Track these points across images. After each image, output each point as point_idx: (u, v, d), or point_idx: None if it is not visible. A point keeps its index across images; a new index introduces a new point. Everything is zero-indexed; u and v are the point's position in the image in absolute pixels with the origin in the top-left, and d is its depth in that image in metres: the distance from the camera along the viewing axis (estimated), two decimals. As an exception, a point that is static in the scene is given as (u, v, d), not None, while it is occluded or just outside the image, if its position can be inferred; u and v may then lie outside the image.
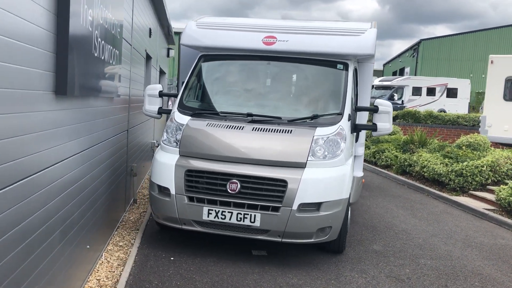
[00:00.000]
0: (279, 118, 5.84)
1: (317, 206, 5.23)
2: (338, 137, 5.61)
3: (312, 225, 5.19)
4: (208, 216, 5.24)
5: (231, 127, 5.64)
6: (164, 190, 5.44)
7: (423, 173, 11.17)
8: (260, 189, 5.19)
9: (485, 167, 9.99)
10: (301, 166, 5.30)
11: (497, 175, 10.06)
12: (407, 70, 47.06)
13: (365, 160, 14.40)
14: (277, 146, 5.46)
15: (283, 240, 5.22)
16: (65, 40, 3.38)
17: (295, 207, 5.10)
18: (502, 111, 14.38)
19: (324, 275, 5.23)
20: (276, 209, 5.13)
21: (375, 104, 6.15)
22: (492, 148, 11.96)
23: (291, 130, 5.56)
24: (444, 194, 10.07)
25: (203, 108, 6.24)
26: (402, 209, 8.83)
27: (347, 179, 5.53)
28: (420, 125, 17.80)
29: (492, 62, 14.82)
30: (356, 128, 6.25)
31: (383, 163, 13.39)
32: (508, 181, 9.35)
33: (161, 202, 5.46)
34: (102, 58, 4.58)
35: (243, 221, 5.17)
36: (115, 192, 6.45)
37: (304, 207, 5.17)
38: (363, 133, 7.35)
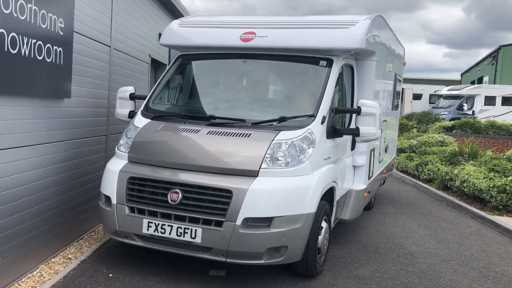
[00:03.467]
0: (243, 120, 5.16)
1: (268, 221, 4.48)
2: (304, 142, 4.84)
3: (260, 243, 4.45)
4: (148, 230, 4.67)
5: (185, 130, 5.05)
6: (107, 200, 4.96)
7: (463, 189, 9.85)
8: (203, 200, 4.54)
9: (533, 183, 8.57)
10: (252, 174, 4.59)
11: (548, 193, 8.59)
12: (485, 79, 43.68)
13: (408, 174, 13.20)
14: (229, 151, 4.79)
15: (227, 260, 4.52)
16: None
17: (239, 222, 4.40)
18: None
19: (277, 304, 4.47)
20: (219, 223, 4.46)
21: (358, 105, 5.29)
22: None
23: (250, 134, 4.87)
24: (483, 213, 8.74)
25: (168, 110, 5.71)
26: (423, 229, 7.72)
27: (311, 191, 4.72)
28: (480, 136, 16.11)
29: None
30: (336, 133, 5.41)
31: (425, 176, 12.09)
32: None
33: (104, 213, 4.98)
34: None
35: (184, 236, 4.54)
36: (87, 201, 6.10)
37: (251, 222, 4.45)
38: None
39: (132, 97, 5.93)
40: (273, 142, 4.73)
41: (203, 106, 5.80)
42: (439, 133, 17.24)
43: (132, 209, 4.77)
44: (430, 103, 33.37)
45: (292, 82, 5.83)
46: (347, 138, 5.98)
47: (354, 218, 6.55)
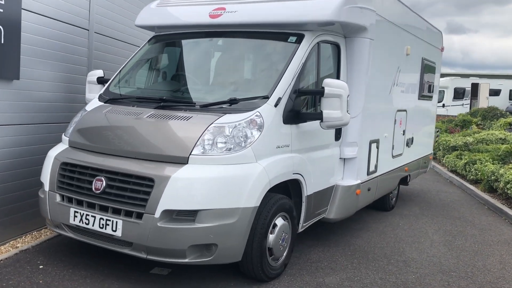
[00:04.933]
0: (192, 103, 4.63)
1: (193, 215, 3.92)
2: (250, 126, 4.22)
3: (181, 240, 3.89)
4: (74, 220, 4.29)
5: (127, 114, 4.62)
6: (43, 187, 4.65)
7: (506, 191, 8.56)
8: (125, 189, 4.07)
9: None
10: (181, 161, 4.05)
11: None
12: None
13: (457, 174, 11.90)
14: (163, 136, 4.28)
15: (148, 257, 4.01)
16: None
17: (157, 214, 3.87)
18: None
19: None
20: (139, 216, 3.97)
21: (322, 85, 4.56)
22: None
23: (190, 117, 4.33)
24: (524, 219, 7.51)
25: (124, 93, 5.31)
26: (440, 235, 6.71)
27: (250, 182, 4.08)
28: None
29: None
30: (300, 117, 4.70)
31: (472, 177, 10.75)
32: None
33: (40, 201, 4.68)
34: None
35: (105, 228, 4.10)
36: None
37: (176, 215, 3.91)
38: (361, 129, 5.64)
39: (101, 81, 5.59)
40: (212, 126, 4.16)
41: (159, 89, 5.36)
42: (504, 130, 15.46)
43: (62, 197, 4.42)
44: (510, 99, 30.55)
45: (256, 62, 5.19)
46: (327, 126, 5.23)
47: (341, 218, 5.77)
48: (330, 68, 5.42)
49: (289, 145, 4.61)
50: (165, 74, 5.58)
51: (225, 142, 4.13)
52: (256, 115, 4.28)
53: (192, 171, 3.96)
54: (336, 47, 5.44)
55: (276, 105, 4.42)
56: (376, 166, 6.39)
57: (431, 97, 8.97)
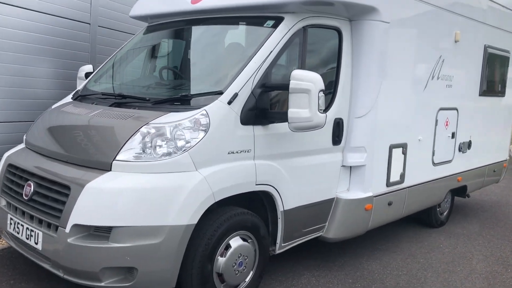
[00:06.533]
0: (146, 99, 4.04)
1: (108, 232, 3.33)
2: (193, 127, 3.53)
3: (93, 261, 3.31)
4: (9, 227, 3.93)
5: (76, 113, 4.17)
6: None
7: None
8: (47, 197, 3.60)
9: None
10: (105, 167, 3.48)
11: None
12: None
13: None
14: (95, 138, 3.75)
15: (64, 276, 3.49)
16: None
17: (68, 229, 3.34)
18: None
19: None
20: (56, 228, 3.47)
21: (290, 77, 3.71)
22: None
23: (132, 116, 3.75)
24: None
25: (95, 89, 4.85)
26: (487, 264, 5.42)
27: (183, 195, 3.38)
28: None
29: None
30: (267, 117, 3.89)
31: None
32: None
33: None
34: None
35: (30, 239, 3.68)
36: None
37: (90, 230, 3.35)
38: (372, 131, 4.70)
39: (88, 76, 5.24)
40: (145, 126, 3.53)
41: (128, 84, 4.83)
42: None
43: (6, 202, 4.08)
44: None
45: (227, 52, 4.44)
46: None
47: (344, 238, 4.83)
48: (326, 58, 4.53)
49: (250, 150, 3.82)
50: (138, 68, 5.06)
51: (161, 146, 3.49)
52: (202, 114, 3.57)
53: (111, 180, 3.37)
54: (337, 32, 4.52)
55: (230, 102, 3.67)
56: (402, 176, 5.32)
57: (503, 93, 7.47)
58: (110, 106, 4.09)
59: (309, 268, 4.86)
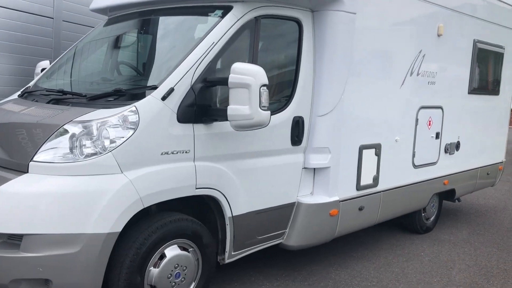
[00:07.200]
0: (82, 95, 3.75)
1: (19, 240, 3.03)
2: (116, 124, 3.22)
3: (2, 272, 3.02)
4: None
5: (10, 110, 3.91)
6: None
7: None
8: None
9: None
10: (22, 169, 3.19)
11: None
12: None
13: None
14: (19, 137, 3.46)
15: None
16: None
17: (-21, 236, 3.06)
18: None
19: None
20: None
21: (230, 72, 3.38)
22: None
23: (59, 113, 3.46)
24: None
25: (43, 86, 4.57)
26: (468, 274, 5.02)
27: (105, 200, 3.07)
28: None
29: None
30: (208, 114, 3.56)
31: None
32: None
33: None
34: None
35: (-50, 247, 3.40)
36: None
37: (4, 238, 3.07)
38: (336, 131, 4.35)
39: (45, 72, 4.99)
40: (67, 125, 3.24)
41: (75, 80, 4.53)
42: None
43: None
44: None
45: (171, 45, 4.12)
46: (276, 125, 4.01)
47: (306, 246, 4.48)
48: (284, 52, 4.20)
49: (189, 150, 3.50)
50: (83, 63, 4.75)
51: (86, 146, 3.19)
52: (131, 111, 3.26)
53: (25, 183, 3.08)
54: (297, 24, 4.18)
55: (164, 98, 3.35)
56: (376, 179, 4.95)
57: (497, 91, 7.04)
58: (47, 103, 3.81)
59: (269, 277, 4.52)
